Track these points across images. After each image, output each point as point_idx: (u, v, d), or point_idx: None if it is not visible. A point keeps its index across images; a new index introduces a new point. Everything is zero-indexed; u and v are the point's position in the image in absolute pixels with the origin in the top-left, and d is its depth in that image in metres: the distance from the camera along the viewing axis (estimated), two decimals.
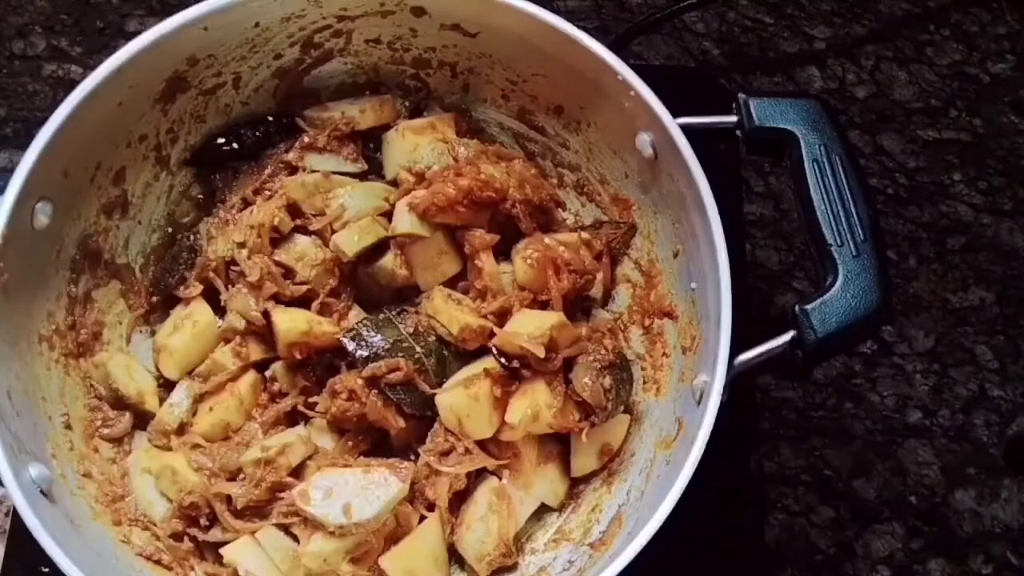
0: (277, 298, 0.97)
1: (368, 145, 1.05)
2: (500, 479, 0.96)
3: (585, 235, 1.00)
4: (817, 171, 0.87)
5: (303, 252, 0.98)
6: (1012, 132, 1.30)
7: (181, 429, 0.96)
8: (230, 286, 0.98)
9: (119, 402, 0.96)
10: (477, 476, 0.95)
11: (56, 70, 1.27)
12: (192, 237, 1.01)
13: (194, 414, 0.97)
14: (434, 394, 0.93)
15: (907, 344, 1.19)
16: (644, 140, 0.92)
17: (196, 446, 0.95)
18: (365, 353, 0.93)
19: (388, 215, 0.99)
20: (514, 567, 0.96)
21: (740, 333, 0.82)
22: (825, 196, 0.86)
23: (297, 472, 0.92)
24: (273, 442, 0.92)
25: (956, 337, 1.20)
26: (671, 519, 0.79)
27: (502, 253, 0.99)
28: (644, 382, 1.00)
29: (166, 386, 0.99)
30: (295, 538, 0.90)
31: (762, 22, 1.34)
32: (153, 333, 1.01)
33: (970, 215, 1.25)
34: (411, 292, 1.01)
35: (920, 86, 1.32)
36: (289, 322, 0.94)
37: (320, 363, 0.97)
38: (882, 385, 1.17)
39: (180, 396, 0.97)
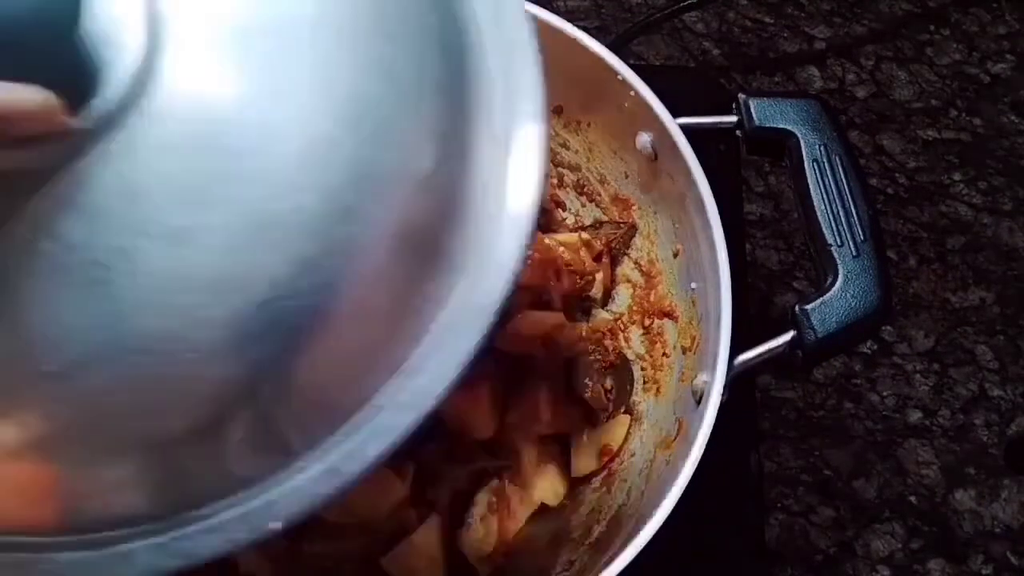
0: None
1: None
2: (500, 479, 0.96)
3: (585, 235, 1.00)
4: (817, 171, 0.87)
5: None
6: (1012, 132, 1.30)
7: None
8: None
9: None
10: (477, 476, 0.95)
11: None
12: None
13: None
14: None
15: (907, 344, 1.19)
16: (644, 140, 0.92)
17: None
18: None
19: None
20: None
21: (740, 333, 0.82)
22: (825, 196, 0.86)
23: None
24: None
25: (956, 337, 1.20)
26: (671, 519, 0.79)
27: None
28: (644, 382, 0.99)
29: None
30: (295, 538, 0.90)
31: (762, 22, 1.34)
32: None
33: (970, 215, 1.25)
34: None
35: (920, 86, 1.31)
36: None
37: None
38: (882, 385, 1.17)
39: None
